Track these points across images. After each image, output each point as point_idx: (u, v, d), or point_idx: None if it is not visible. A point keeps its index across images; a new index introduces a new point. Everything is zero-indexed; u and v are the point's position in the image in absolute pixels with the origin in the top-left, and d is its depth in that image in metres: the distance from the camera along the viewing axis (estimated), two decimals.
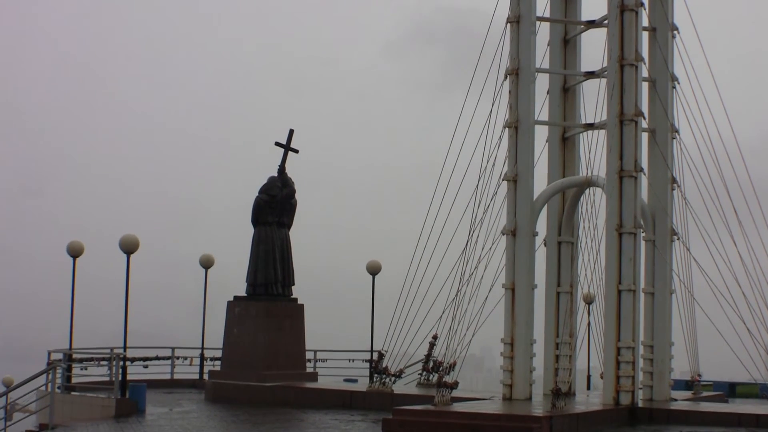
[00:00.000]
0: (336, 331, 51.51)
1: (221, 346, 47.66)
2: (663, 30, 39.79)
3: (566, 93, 41.17)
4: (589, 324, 43.95)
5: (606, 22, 38.92)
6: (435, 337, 41.14)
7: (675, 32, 39.96)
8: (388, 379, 42.54)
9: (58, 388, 41.27)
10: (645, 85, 38.99)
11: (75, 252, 44.37)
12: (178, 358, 51.19)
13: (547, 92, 40.99)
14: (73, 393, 41.93)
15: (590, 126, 40.44)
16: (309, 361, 48.89)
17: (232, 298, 47.26)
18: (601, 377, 39.66)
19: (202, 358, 50.66)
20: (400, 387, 42.31)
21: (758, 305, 37.33)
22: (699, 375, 42.04)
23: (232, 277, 47.74)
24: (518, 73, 38.96)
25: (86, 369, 44.07)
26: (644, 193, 38.77)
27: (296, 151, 47.46)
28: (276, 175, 47.09)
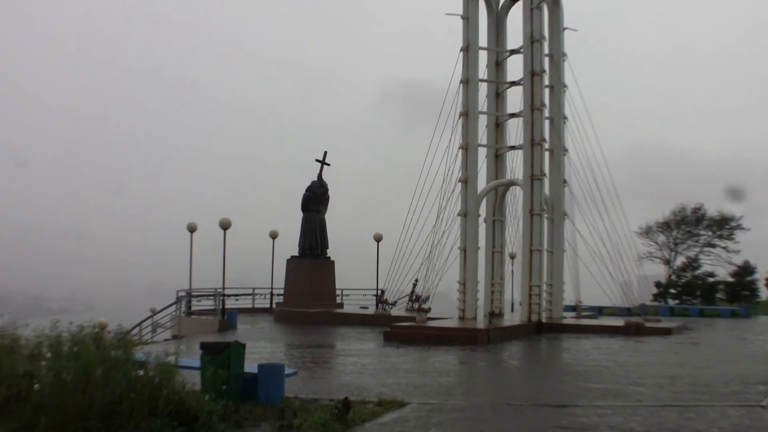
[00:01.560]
0: (355, 277, 51.49)
1: (283, 286, 48.41)
2: (557, 87, 40.64)
3: (498, 127, 41.83)
4: (512, 271, 45.20)
5: (522, 81, 39.96)
6: (416, 281, 41.32)
7: (565, 88, 40.66)
8: (387, 307, 43.46)
9: (183, 313, 42.44)
10: (546, 122, 40.00)
11: (192, 228, 45.10)
12: (256, 294, 51.75)
13: (486, 126, 41.70)
14: (192, 316, 42.83)
15: (513, 147, 41.31)
16: (338, 295, 49.35)
17: (289, 257, 48.21)
18: (520, 304, 41.04)
19: (272, 294, 50.58)
20: (395, 311, 42.78)
21: (614, 258, 38.55)
22: (580, 302, 42.58)
23: (290, 244, 48.45)
24: (468, 114, 39.88)
25: (200, 301, 44.71)
26: (546, 189, 39.77)
27: (328, 165, 48.33)
28: (316, 179, 48.21)
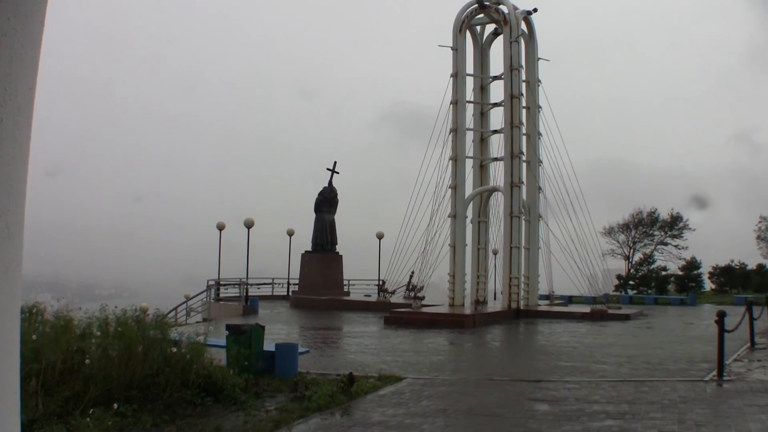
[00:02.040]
0: (359, 269, 51.80)
1: (298, 277, 48.49)
2: (533, 107, 40.64)
3: (482, 141, 41.86)
4: (495, 265, 45.43)
5: (503, 103, 40.13)
6: (412, 272, 41.47)
7: (539, 109, 40.74)
8: (387, 295, 43.68)
9: (212, 299, 42.89)
10: (524, 138, 40.19)
11: (220, 227, 45.19)
12: (275, 283, 51.84)
13: (472, 141, 41.72)
14: (220, 302, 42.85)
15: (495, 159, 41.38)
16: (345, 285, 49.41)
17: (303, 252, 48.34)
18: (501, 293, 41.12)
19: (288, 283, 50.67)
20: (394, 299, 42.89)
21: (582, 254, 38.72)
22: (553, 292, 42.74)
23: (304, 241, 48.63)
24: (456, 131, 40.08)
25: (227, 289, 44.87)
26: (524, 194, 39.98)
27: (337, 173, 48.53)
28: (327, 185, 48.36)
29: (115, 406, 11.41)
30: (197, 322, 36.78)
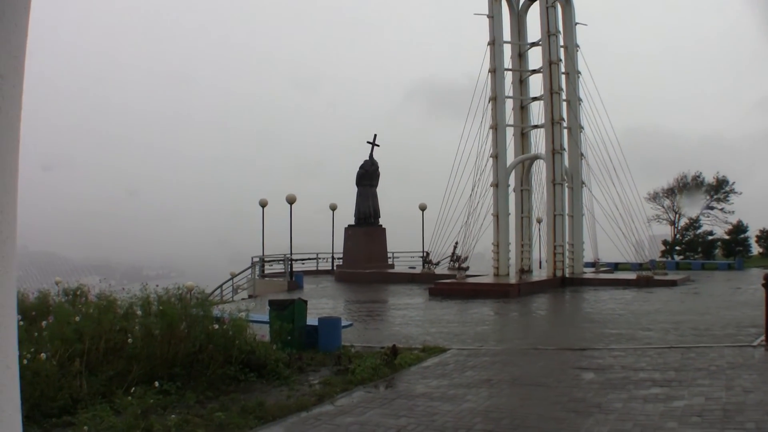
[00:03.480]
0: (403, 241, 51.83)
1: (342, 251, 48.41)
2: (572, 74, 40.25)
3: (522, 109, 41.49)
4: (539, 234, 45.08)
5: (542, 69, 39.78)
6: (456, 243, 41.56)
7: (579, 74, 40.43)
8: (431, 266, 43.47)
9: (257, 275, 43.06)
10: (564, 104, 39.72)
11: (263, 204, 45.31)
12: (320, 258, 51.93)
13: (512, 108, 41.45)
14: (265, 278, 43.02)
15: (536, 126, 41.06)
16: (389, 257, 49.29)
17: (347, 225, 48.14)
18: (545, 262, 40.87)
19: (332, 258, 50.76)
20: (438, 270, 42.55)
21: (627, 221, 38.45)
22: (598, 259, 42.52)
23: (347, 214, 48.61)
24: (496, 99, 39.78)
25: (272, 265, 44.95)
26: (566, 161, 39.64)
27: (378, 146, 48.26)
28: (368, 158, 48.20)
29: (157, 384, 11.43)
30: (243, 299, 36.94)
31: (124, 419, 9.80)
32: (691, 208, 66.71)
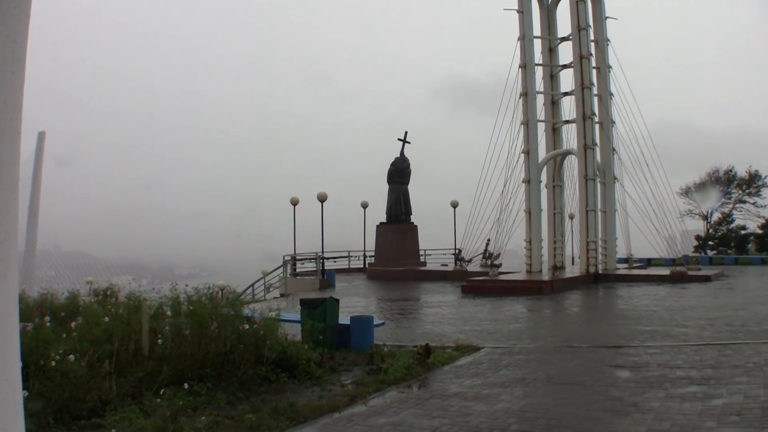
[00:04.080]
0: (435, 238, 51.68)
1: (374, 249, 48.33)
2: (603, 68, 39.93)
3: (553, 104, 41.28)
4: (571, 230, 44.77)
5: (573, 64, 39.49)
6: (488, 240, 41.41)
7: (610, 68, 40.14)
8: (464, 263, 43.36)
9: (289, 274, 43.04)
10: (595, 99, 39.49)
11: (294, 202, 45.16)
12: (351, 256, 51.85)
13: (543, 104, 41.19)
14: (296, 277, 43.03)
15: (567, 121, 40.76)
16: (421, 255, 49.07)
17: (378, 223, 48.12)
18: (578, 258, 40.68)
19: (364, 255, 50.59)
20: (470, 267, 42.39)
21: (659, 215, 38.09)
22: (631, 255, 42.31)
23: (378, 212, 48.52)
24: (527, 94, 39.66)
25: (303, 264, 44.94)
26: (598, 156, 39.35)
27: (409, 143, 48.17)
28: (399, 155, 48.05)
29: (186, 385, 11.32)
30: (275, 298, 36.96)
31: (152, 422, 9.68)
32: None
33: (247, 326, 13.27)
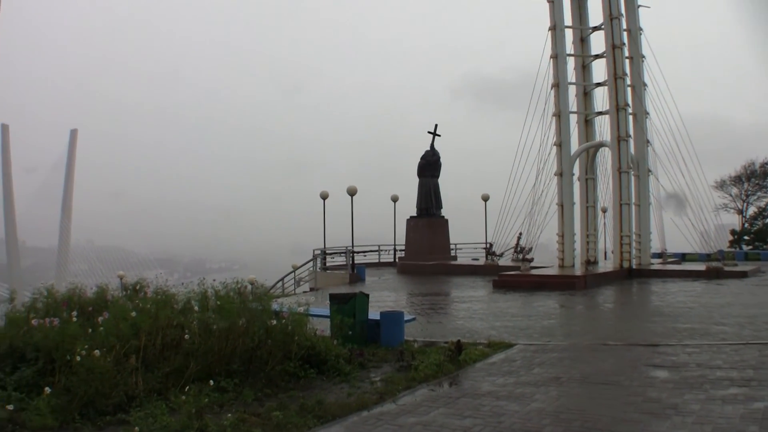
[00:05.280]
0: (466, 232, 51.36)
1: (404, 243, 47.92)
2: (636, 58, 39.43)
3: (585, 95, 40.89)
4: (604, 223, 44.38)
5: (605, 54, 39.05)
6: (520, 234, 41.11)
7: (643, 58, 39.72)
8: (495, 258, 42.94)
9: (319, 268, 43.06)
10: (629, 89, 38.93)
11: (324, 196, 45.15)
12: (382, 250, 51.65)
13: (575, 95, 40.84)
14: (326, 271, 43.03)
15: (600, 113, 40.26)
16: (451, 249, 48.82)
17: (409, 217, 47.79)
18: (612, 253, 40.26)
19: (395, 250, 50.43)
20: (502, 262, 41.94)
21: (694, 209, 37.75)
22: (665, 249, 42.07)
23: (409, 206, 48.34)
24: (558, 85, 39.29)
25: (333, 258, 44.90)
26: (632, 149, 38.94)
27: (439, 135, 47.89)
28: (429, 148, 47.84)
29: (212, 382, 11.19)
30: (304, 292, 36.92)
31: (178, 418, 9.54)
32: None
33: (275, 321, 13.12)
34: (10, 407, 9.65)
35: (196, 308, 13.51)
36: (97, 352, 10.68)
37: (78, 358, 10.50)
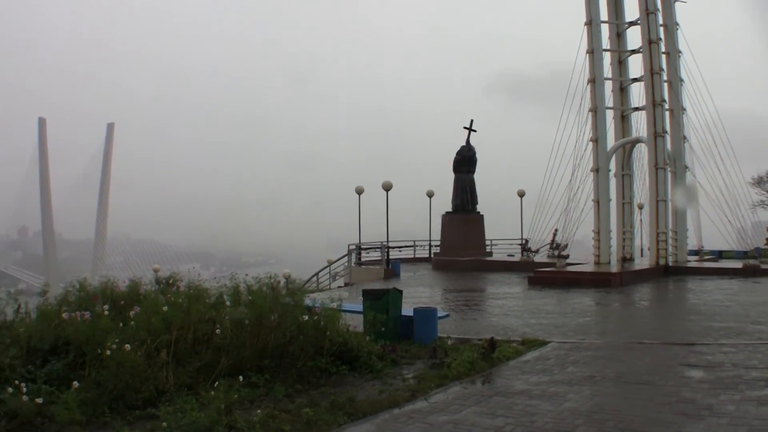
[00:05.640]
0: (501, 228, 51.20)
1: (439, 238, 48.09)
2: (673, 53, 38.83)
3: (622, 91, 40.49)
4: (641, 220, 43.90)
5: (641, 49, 38.66)
6: (556, 230, 40.79)
7: (680, 53, 39.18)
8: (530, 254, 42.78)
9: (354, 263, 42.98)
10: (665, 85, 38.56)
11: (359, 191, 45.12)
12: (417, 246, 51.58)
13: (611, 91, 40.45)
14: (361, 266, 42.94)
15: (637, 109, 39.85)
16: (487, 245, 48.73)
17: (444, 213, 47.88)
18: (648, 250, 39.85)
19: (430, 245, 50.43)
20: (537, 258, 41.76)
21: (731, 206, 37.22)
22: (702, 247, 41.57)
23: (444, 201, 48.27)
24: (595, 81, 38.92)
25: (368, 253, 44.85)
26: (668, 145, 38.52)
27: (475, 131, 47.81)
28: (465, 144, 47.74)
29: (241, 378, 11.15)
30: (339, 287, 36.93)
31: (207, 414, 9.45)
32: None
33: (307, 317, 13.04)
34: (39, 400, 9.62)
35: (228, 303, 13.50)
36: (127, 346, 10.67)
37: (108, 352, 10.49)
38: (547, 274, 33.60)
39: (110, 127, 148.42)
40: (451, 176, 47.98)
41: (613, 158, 40.40)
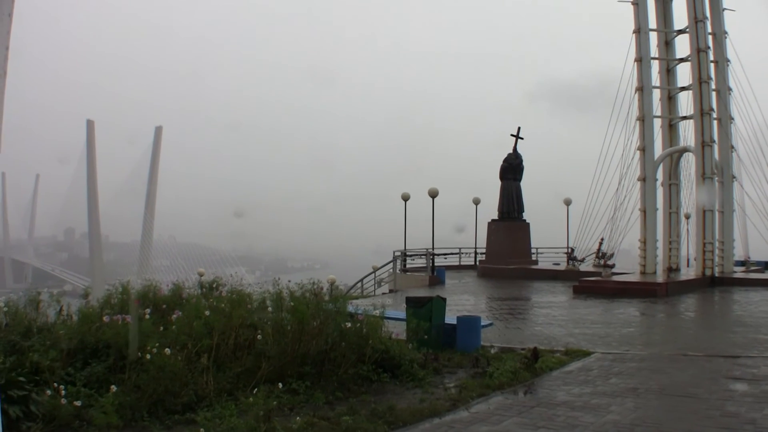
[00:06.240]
0: (547, 237, 50.91)
1: (485, 246, 47.84)
2: (721, 62, 38.39)
3: (669, 99, 40.06)
4: (687, 230, 43.39)
5: (690, 58, 38.24)
6: (602, 239, 40.47)
7: (728, 62, 38.77)
8: (576, 263, 42.39)
9: (399, 270, 42.68)
10: (713, 94, 38.06)
11: (405, 198, 44.88)
12: (462, 253, 51.39)
13: (659, 99, 40.05)
14: (406, 273, 42.77)
15: (684, 117, 39.30)
16: (532, 253, 48.40)
17: (490, 220, 47.65)
18: (694, 260, 39.31)
19: (475, 253, 50.12)
20: (583, 267, 41.43)
21: None
22: (749, 257, 41.00)
23: (490, 209, 48.05)
24: (642, 89, 38.44)
25: (413, 260, 44.75)
26: (716, 154, 38.04)
27: (522, 138, 47.53)
28: (511, 151, 47.49)
29: (280, 385, 11.11)
30: (383, 294, 36.88)
31: (245, 420, 9.42)
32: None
33: (349, 324, 12.96)
34: (78, 403, 9.65)
35: (270, 308, 13.50)
36: (167, 350, 10.70)
37: (148, 356, 10.53)
38: (592, 283, 33.27)
39: (158, 131, 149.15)
40: (498, 184, 47.76)
41: (660, 167, 39.83)
